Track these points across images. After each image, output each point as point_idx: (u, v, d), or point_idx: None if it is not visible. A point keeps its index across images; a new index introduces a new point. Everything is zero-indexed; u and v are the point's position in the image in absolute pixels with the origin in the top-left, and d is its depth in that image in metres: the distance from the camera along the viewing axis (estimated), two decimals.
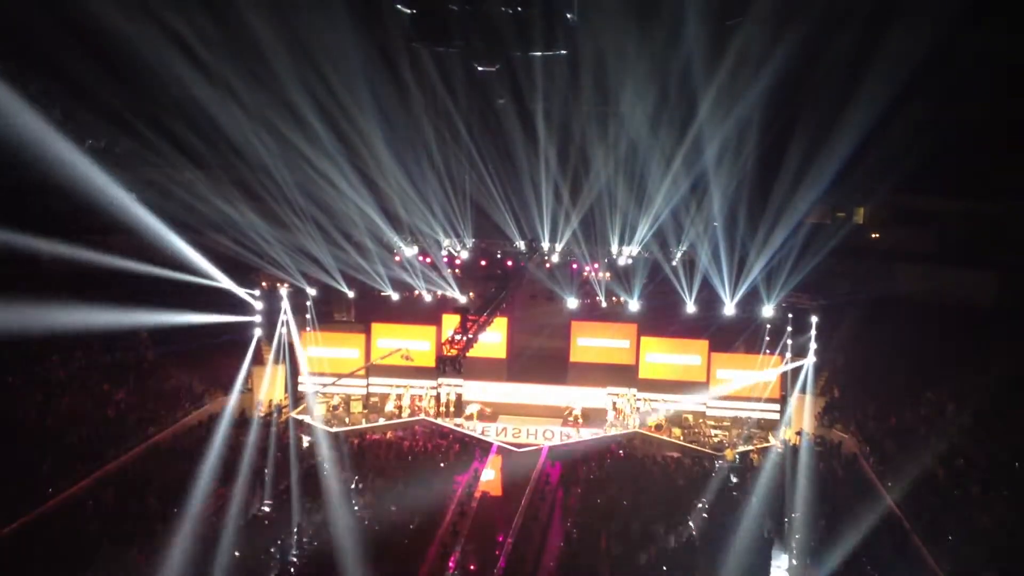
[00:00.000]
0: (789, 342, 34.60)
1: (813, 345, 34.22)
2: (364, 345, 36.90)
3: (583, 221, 39.32)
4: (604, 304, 37.01)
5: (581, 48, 36.49)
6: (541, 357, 37.65)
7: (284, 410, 35.06)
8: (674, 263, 37.57)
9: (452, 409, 35.89)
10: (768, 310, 34.85)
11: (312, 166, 36.32)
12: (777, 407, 34.81)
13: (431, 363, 34.86)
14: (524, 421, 35.27)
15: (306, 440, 33.12)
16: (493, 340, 35.65)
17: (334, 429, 33.96)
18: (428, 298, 37.36)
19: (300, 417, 34.99)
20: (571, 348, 37.03)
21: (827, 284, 35.41)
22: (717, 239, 36.22)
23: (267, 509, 26.93)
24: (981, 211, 42.33)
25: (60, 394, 29.87)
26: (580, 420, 35.08)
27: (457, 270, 38.35)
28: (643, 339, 36.31)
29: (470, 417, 35.42)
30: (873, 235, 45.89)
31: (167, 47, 32.48)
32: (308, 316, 37.52)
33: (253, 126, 35.30)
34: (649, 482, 29.35)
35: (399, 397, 36.10)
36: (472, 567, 23.41)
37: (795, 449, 32.01)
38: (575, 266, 37.92)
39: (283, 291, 36.43)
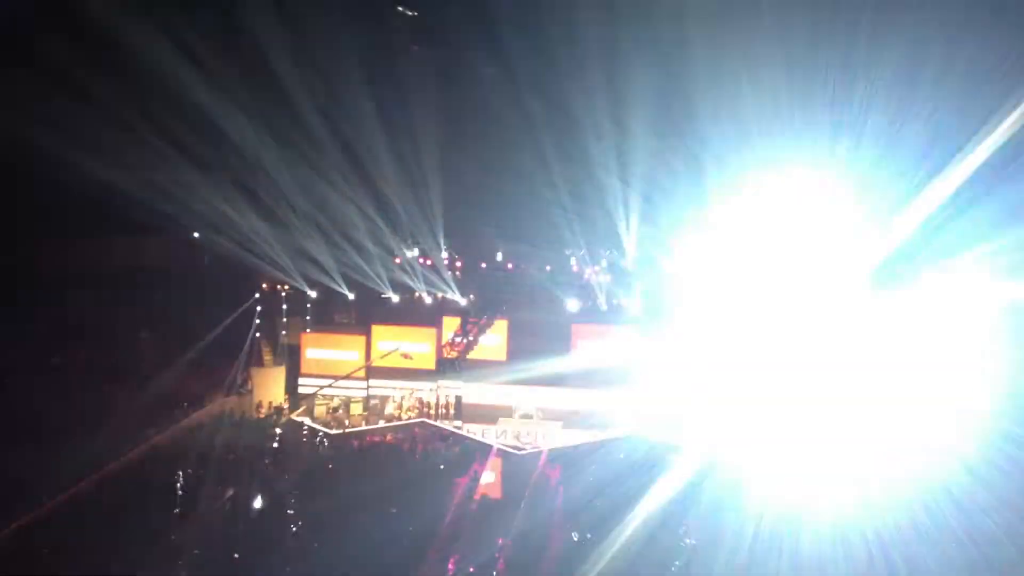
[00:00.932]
0: None
1: None
2: (364, 347, 36.83)
3: (585, 223, 39.26)
4: (604, 307, 36.99)
5: (580, 47, 36.42)
6: (541, 359, 37.52)
7: (284, 411, 35.06)
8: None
9: (452, 411, 35.79)
10: None
11: (313, 167, 36.29)
12: None
13: (431, 365, 34.95)
14: (524, 424, 35.19)
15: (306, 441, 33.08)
16: (493, 342, 35.61)
17: (334, 431, 33.89)
18: (428, 300, 37.35)
19: (300, 419, 34.96)
20: (572, 351, 36.94)
21: None
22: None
23: (266, 510, 26.83)
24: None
25: (59, 395, 29.79)
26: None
27: (458, 272, 38.36)
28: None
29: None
30: None
31: (166, 46, 32.48)
32: (308, 318, 37.56)
33: (254, 127, 35.28)
34: (648, 484, 29.23)
35: (401, 399, 35.99)
36: (471, 569, 23.35)
37: None
38: (576, 268, 37.91)
39: (283, 293, 36.46)
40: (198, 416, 32.55)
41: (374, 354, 36.14)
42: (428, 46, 38.78)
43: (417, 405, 35.94)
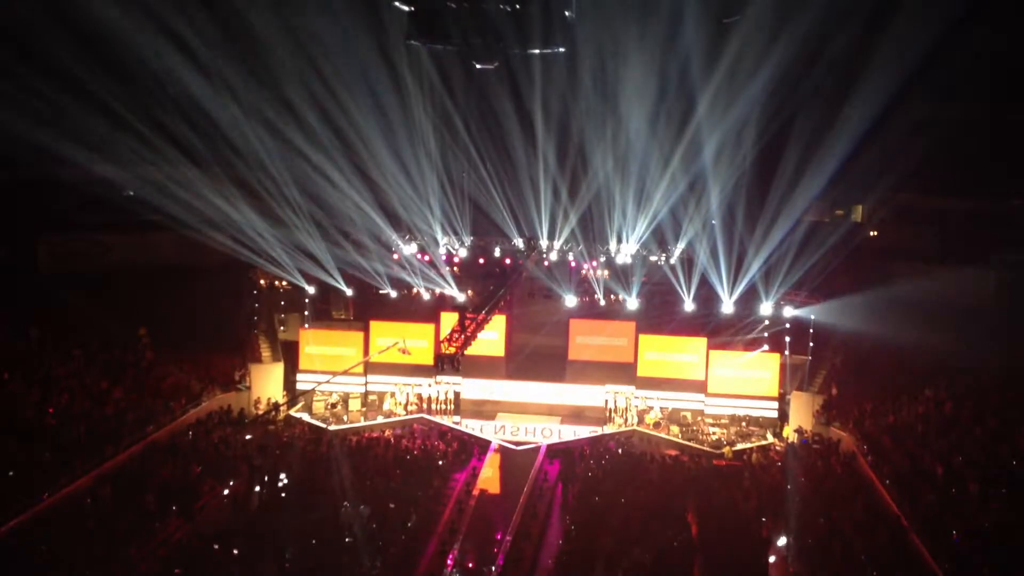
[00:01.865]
0: (787, 340, 34.62)
1: (811, 343, 34.27)
2: (363, 343, 36.82)
3: (581, 219, 39.35)
4: (602, 302, 37.05)
5: (579, 45, 36.43)
6: (539, 355, 37.59)
7: (282, 408, 35.05)
8: (672, 261, 37.60)
9: (451, 407, 35.78)
10: (767, 308, 34.89)
11: (311, 163, 36.31)
12: (775, 405, 34.81)
13: (429, 361, 34.92)
14: (522, 419, 35.23)
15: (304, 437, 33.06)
16: (491, 338, 35.63)
17: (332, 427, 33.90)
18: (427, 296, 37.36)
19: (298, 415, 34.96)
20: (570, 346, 37.00)
21: (826, 282, 35.42)
22: (715, 237, 36.27)
23: (264, 507, 26.83)
24: (979, 209, 42.38)
25: (58, 392, 29.80)
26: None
27: (456, 268, 38.37)
28: (641, 337, 36.26)
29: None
30: (871, 233, 45.93)
31: (166, 45, 32.47)
32: (306, 313, 37.54)
33: (252, 124, 35.28)
34: (647, 480, 29.31)
35: (400, 395, 35.97)
36: (470, 564, 23.41)
37: (793, 447, 32.05)
38: (573, 264, 37.95)
39: (281, 289, 36.43)
40: (196, 413, 32.53)
41: (372, 350, 36.14)
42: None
43: (416, 401, 35.94)
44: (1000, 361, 32.29)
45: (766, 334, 35.17)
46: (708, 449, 32.81)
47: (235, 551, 23.00)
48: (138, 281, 38.16)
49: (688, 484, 28.81)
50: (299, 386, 36.35)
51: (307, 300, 37.37)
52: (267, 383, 35.86)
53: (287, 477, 28.33)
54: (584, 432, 34.31)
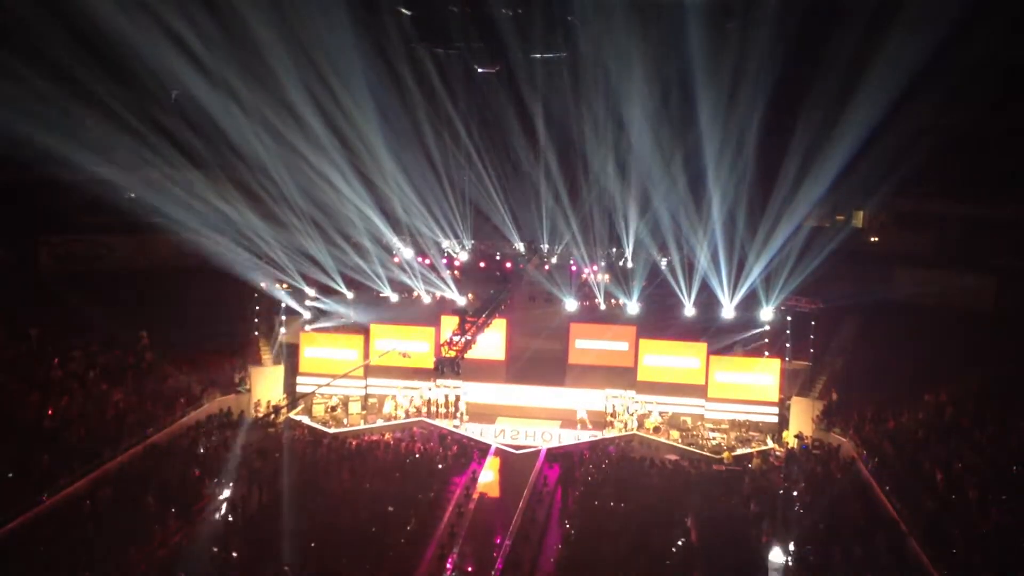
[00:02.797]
0: (788, 345, 34.62)
1: (811, 349, 34.26)
2: (363, 346, 36.81)
3: (582, 223, 39.40)
4: (603, 306, 37.06)
5: (581, 49, 36.54)
6: (540, 359, 37.54)
7: (282, 411, 35.03)
8: (673, 265, 37.61)
9: (451, 410, 35.73)
10: (767, 313, 34.91)
11: (311, 167, 36.35)
12: (775, 410, 34.77)
13: (430, 364, 34.88)
14: (522, 423, 35.21)
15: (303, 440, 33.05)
16: (492, 342, 35.61)
17: (332, 430, 33.88)
18: (427, 299, 37.37)
19: (298, 418, 34.95)
20: (570, 350, 36.96)
21: (825, 287, 35.44)
22: (716, 242, 36.31)
23: (264, 510, 26.80)
24: (980, 215, 42.42)
25: (58, 394, 29.81)
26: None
27: (456, 271, 38.39)
28: (642, 341, 36.23)
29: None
30: (872, 238, 45.97)
31: (167, 46, 32.52)
32: (307, 316, 37.56)
33: (252, 126, 35.33)
34: (647, 485, 29.30)
35: (400, 399, 35.94)
36: (469, 568, 23.40)
37: (792, 452, 32.03)
38: (574, 268, 37.97)
39: (282, 292, 36.44)
40: (196, 415, 32.51)
41: (372, 353, 36.16)
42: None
43: (416, 404, 35.91)
44: (1001, 366, 32.28)
45: (766, 340, 35.18)
46: (708, 454, 32.77)
47: (234, 554, 23.02)
48: (139, 283, 38.18)
49: (688, 489, 28.77)
50: (299, 389, 36.33)
51: (307, 303, 37.38)
52: (267, 386, 35.84)
53: (286, 480, 28.31)
54: (584, 436, 34.27)
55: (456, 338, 29.92)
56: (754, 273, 34.91)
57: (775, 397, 34.81)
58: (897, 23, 32.18)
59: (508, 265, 38.59)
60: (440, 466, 30.81)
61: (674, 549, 24.22)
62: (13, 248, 40.07)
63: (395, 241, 39.08)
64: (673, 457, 32.49)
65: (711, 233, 37.06)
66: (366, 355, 36.36)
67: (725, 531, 25.34)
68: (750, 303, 35.22)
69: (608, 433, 34.51)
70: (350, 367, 35.40)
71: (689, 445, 33.63)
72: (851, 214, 46.75)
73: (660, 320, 36.45)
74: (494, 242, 40.64)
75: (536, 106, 39.29)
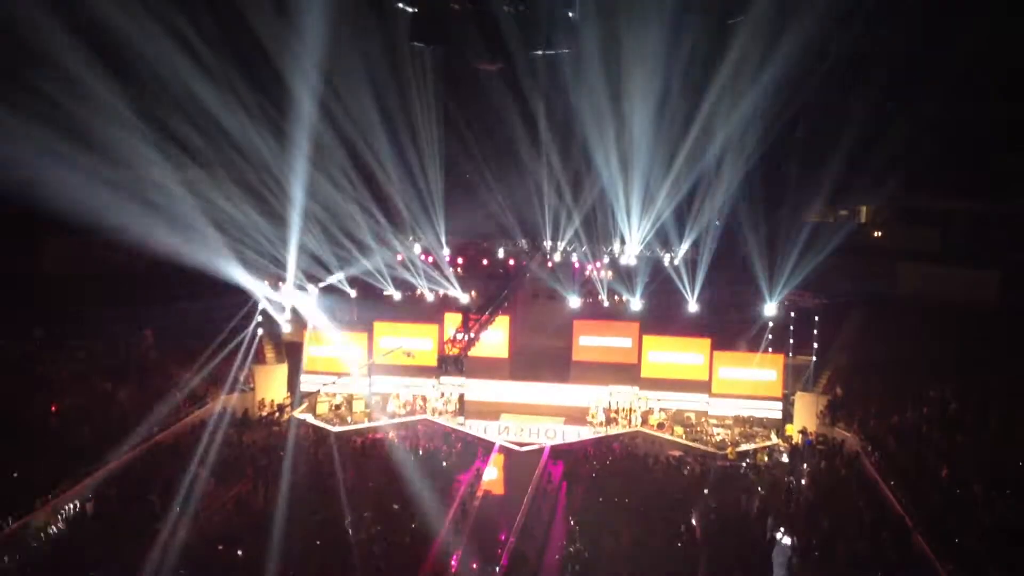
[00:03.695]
0: (792, 341, 34.59)
1: (815, 344, 34.24)
2: (366, 344, 36.84)
3: (585, 220, 39.41)
4: (606, 303, 37.05)
5: (584, 45, 36.50)
6: (543, 356, 37.52)
7: (286, 409, 35.07)
8: (676, 262, 37.62)
9: (455, 408, 35.72)
10: (771, 309, 34.88)
11: (315, 165, 36.35)
12: (779, 406, 34.75)
13: (433, 362, 34.91)
14: (526, 420, 35.19)
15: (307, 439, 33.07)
16: (495, 339, 35.62)
17: (336, 428, 33.90)
18: (430, 297, 37.37)
19: (302, 416, 34.97)
20: (573, 347, 36.94)
21: (830, 283, 35.41)
22: (720, 238, 36.33)
23: (268, 508, 26.81)
24: (984, 211, 42.38)
25: (63, 394, 29.87)
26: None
27: (459, 269, 38.40)
28: (645, 338, 36.21)
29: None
30: (876, 234, 45.92)
31: (170, 45, 32.54)
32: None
33: (256, 125, 35.34)
34: (651, 480, 29.29)
35: (403, 397, 35.94)
36: (474, 565, 23.38)
37: (797, 447, 32.01)
38: (577, 265, 37.96)
39: (286, 290, 36.47)
40: (201, 414, 32.56)
41: (376, 352, 36.23)
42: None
43: (420, 402, 35.91)
44: (1004, 361, 32.25)
45: (770, 336, 35.14)
46: (712, 450, 32.73)
47: (239, 552, 23.04)
48: (143, 282, 38.23)
49: (692, 485, 28.75)
50: (303, 387, 36.37)
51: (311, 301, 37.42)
52: (271, 384, 35.90)
53: (291, 478, 28.35)
54: (587, 433, 34.25)
55: (459, 336, 30.00)
56: (758, 269, 34.90)
57: (779, 393, 34.79)
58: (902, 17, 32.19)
59: (511, 263, 38.61)
60: (444, 463, 30.83)
61: (678, 544, 24.20)
62: (18, 249, 40.10)
63: (398, 240, 39.07)
64: (677, 453, 32.45)
65: (714, 229, 37.09)
66: (370, 354, 36.41)
67: (729, 526, 25.32)
68: (754, 299, 35.21)
69: (612, 430, 34.50)
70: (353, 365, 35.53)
71: (693, 441, 33.60)
72: (856, 210, 46.71)
73: (664, 316, 36.44)
74: (498, 240, 40.62)
75: (538, 102, 39.26)
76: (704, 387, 35.57)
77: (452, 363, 29.50)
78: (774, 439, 33.58)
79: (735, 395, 35.16)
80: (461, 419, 35.20)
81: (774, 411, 34.77)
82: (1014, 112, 38.34)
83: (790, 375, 34.87)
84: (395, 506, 26.14)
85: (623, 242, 39.09)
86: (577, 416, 35.42)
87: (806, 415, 33.56)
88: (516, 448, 32.98)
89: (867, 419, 31.73)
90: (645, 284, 36.86)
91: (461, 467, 30.67)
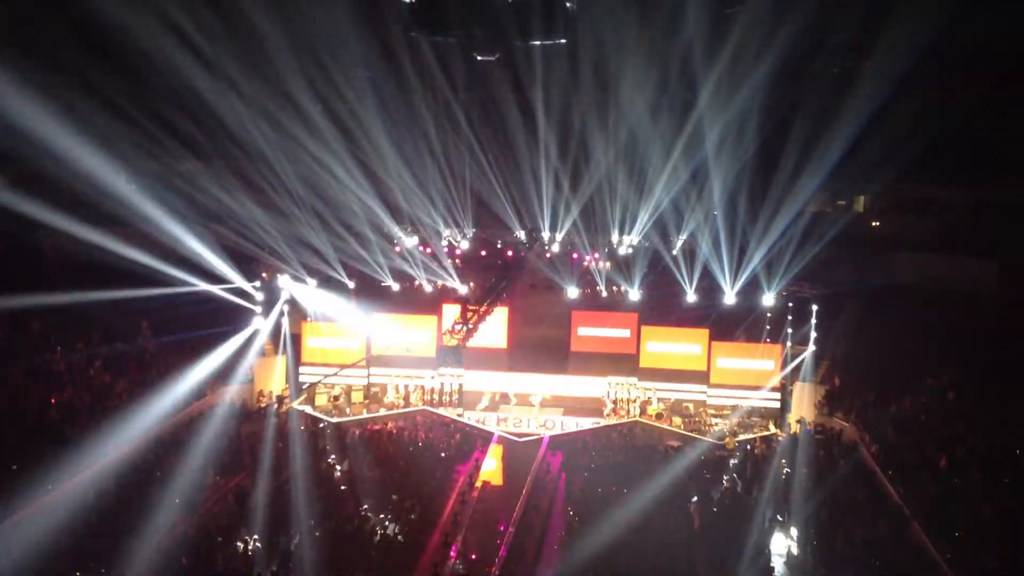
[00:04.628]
0: (790, 330, 34.62)
1: (813, 333, 34.26)
2: (365, 336, 36.88)
3: (583, 210, 39.34)
4: (604, 294, 37.05)
5: (581, 35, 36.39)
6: (542, 347, 37.56)
7: (285, 400, 35.11)
8: (674, 252, 37.59)
9: (454, 399, 35.76)
10: (769, 299, 34.91)
11: (312, 156, 36.29)
12: (778, 395, 34.82)
13: (432, 353, 34.94)
14: (525, 411, 35.28)
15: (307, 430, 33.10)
16: (494, 330, 35.64)
17: (335, 419, 33.93)
18: (428, 288, 37.36)
19: (301, 407, 35.01)
20: (572, 337, 36.99)
21: (827, 273, 35.42)
22: (718, 228, 36.28)
23: (268, 499, 26.85)
24: (982, 199, 42.34)
25: (61, 385, 29.84)
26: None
27: (457, 260, 38.37)
28: (644, 328, 36.26)
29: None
30: (874, 223, 45.88)
31: (168, 38, 32.43)
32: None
33: (253, 117, 35.26)
34: (649, 471, 29.31)
35: (403, 388, 35.94)
36: (473, 556, 23.46)
37: (795, 437, 32.07)
38: (575, 256, 37.92)
39: (283, 281, 36.43)
40: (200, 406, 32.57)
41: (374, 345, 36.31)
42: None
43: (418, 393, 35.93)
44: (1002, 350, 32.28)
45: (768, 325, 35.17)
46: (711, 440, 32.81)
47: (239, 543, 23.10)
48: (140, 274, 38.12)
49: (690, 475, 28.80)
50: (301, 379, 36.42)
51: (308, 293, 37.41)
52: (270, 376, 35.92)
53: (290, 469, 28.40)
54: (586, 423, 34.33)
55: (458, 327, 30.01)
56: (755, 259, 34.87)
57: (777, 382, 34.84)
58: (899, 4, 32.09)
59: (509, 253, 38.58)
60: (443, 454, 30.89)
61: (677, 535, 24.26)
62: (16, 240, 40.02)
63: (396, 230, 39.01)
64: (675, 443, 32.52)
65: (712, 219, 37.04)
66: (367, 345, 36.47)
67: (727, 517, 25.39)
68: (752, 289, 35.20)
69: (611, 420, 34.57)
70: (353, 357, 35.52)
71: (691, 431, 33.68)
72: (853, 199, 46.66)
73: (662, 307, 36.46)
74: (495, 230, 40.55)
75: (536, 92, 39.15)
76: (703, 377, 35.64)
77: (451, 354, 29.51)
78: (772, 429, 33.67)
79: (733, 385, 35.23)
80: (460, 409, 35.27)
81: (772, 401, 34.85)
82: (1013, 100, 38.28)
83: (788, 365, 34.89)
84: (394, 496, 26.20)
85: (621, 232, 39.02)
86: (576, 407, 35.50)
87: (804, 405, 33.62)
88: (515, 438, 33.04)
89: (866, 409, 31.80)
90: (644, 274, 36.84)
91: (460, 458, 30.74)
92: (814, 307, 33.99)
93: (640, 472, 28.79)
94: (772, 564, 23.18)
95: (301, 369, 36.67)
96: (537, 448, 31.81)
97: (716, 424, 34.20)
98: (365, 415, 35.00)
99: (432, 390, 35.71)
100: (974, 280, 38.48)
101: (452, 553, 23.28)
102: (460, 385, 35.74)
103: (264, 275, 36.83)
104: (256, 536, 23.33)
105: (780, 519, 25.44)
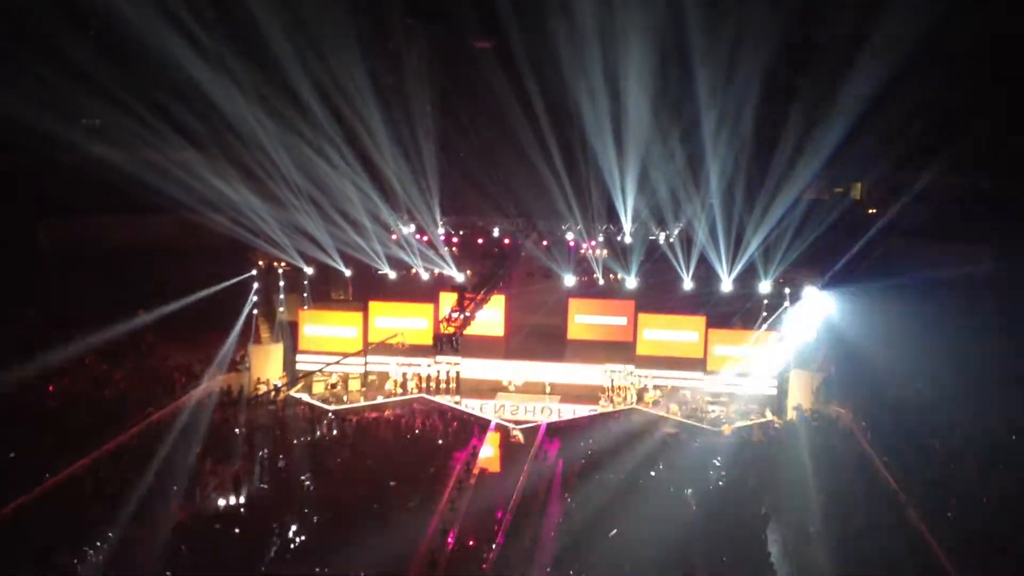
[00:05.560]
0: (786, 317, 34.65)
1: (810, 320, 34.29)
2: (362, 323, 36.89)
3: (580, 198, 39.25)
4: (601, 281, 37.06)
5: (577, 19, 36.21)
6: (539, 334, 37.61)
7: (282, 388, 35.13)
8: (671, 240, 37.56)
9: (451, 387, 35.79)
10: (765, 286, 34.92)
11: (308, 144, 36.18)
12: (774, 383, 34.87)
13: (429, 341, 34.95)
14: (522, 398, 35.34)
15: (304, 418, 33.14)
16: (491, 318, 35.66)
17: (332, 407, 33.96)
18: (425, 276, 37.34)
19: (298, 395, 35.03)
20: (568, 325, 37.03)
21: (824, 260, 35.42)
22: (714, 215, 36.24)
23: (265, 487, 26.92)
24: (979, 187, 42.37)
25: (58, 375, 29.83)
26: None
27: (454, 248, 38.35)
28: (641, 316, 36.30)
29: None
30: (870, 210, 45.90)
31: (164, 26, 32.28)
32: (305, 295, 37.55)
33: (249, 105, 35.13)
34: (646, 457, 29.37)
35: (401, 376, 35.97)
36: (471, 543, 23.51)
37: (792, 424, 32.15)
38: (572, 243, 37.91)
39: (280, 270, 36.41)
40: (196, 394, 32.58)
41: (371, 331, 36.35)
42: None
43: (415, 381, 35.97)
44: (998, 336, 32.35)
45: (765, 312, 35.20)
46: (708, 427, 32.89)
47: (236, 530, 23.15)
48: (138, 263, 38.13)
49: (687, 462, 28.88)
50: (298, 367, 36.45)
51: (306, 281, 37.38)
52: (267, 364, 35.92)
53: (288, 457, 28.46)
54: (583, 411, 34.39)
55: (455, 315, 29.98)
56: (752, 246, 34.85)
57: (774, 370, 34.90)
58: None
59: (506, 241, 38.56)
60: (441, 442, 30.93)
61: (674, 520, 24.32)
62: (12, 230, 39.95)
63: (393, 218, 38.94)
64: (672, 430, 32.59)
65: (709, 206, 36.99)
66: (365, 333, 36.50)
67: (725, 502, 25.48)
68: (748, 276, 35.20)
69: (607, 407, 34.62)
70: (349, 345, 35.54)
71: (688, 418, 33.74)
72: (849, 186, 46.65)
73: (659, 294, 36.48)
74: (493, 218, 40.47)
75: (531, 78, 38.96)
76: (699, 364, 35.71)
77: (448, 342, 29.51)
78: (769, 416, 33.73)
79: (730, 372, 35.29)
80: (457, 397, 35.33)
81: (769, 388, 34.92)
82: (1009, 87, 38.27)
83: (785, 352, 34.93)
84: (392, 484, 26.26)
85: (618, 220, 38.95)
86: (574, 394, 35.56)
87: (801, 392, 33.68)
88: (512, 426, 33.08)
89: (861, 395, 31.85)
90: (640, 262, 36.84)
91: (457, 445, 30.77)
92: (811, 294, 34.01)
93: (637, 459, 28.87)
94: (769, 550, 23.24)
95: (298, 357, 36.69)
96: (534, 435, 31.87)
97: (713, 411, 34.26)
98: (363, 403, 35.04)
99: (429, 378, 35.76)
100: (969, 266, 38.51)
101: (450, 540, 23.33)
102: (457, 373, 35.79)
103: (260, 263, 36.75)
104: (253, 523, 23.38)
105: (777, 506, 25.50)
